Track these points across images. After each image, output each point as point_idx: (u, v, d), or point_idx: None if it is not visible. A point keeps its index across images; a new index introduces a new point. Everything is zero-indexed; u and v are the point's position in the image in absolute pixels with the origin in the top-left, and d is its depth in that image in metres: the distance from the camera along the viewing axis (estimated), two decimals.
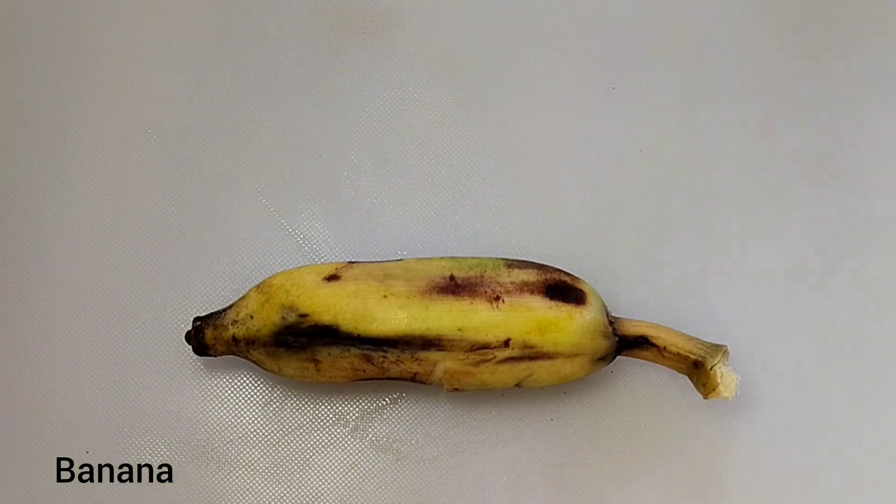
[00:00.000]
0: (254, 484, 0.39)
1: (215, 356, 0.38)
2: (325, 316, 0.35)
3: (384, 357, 0.35)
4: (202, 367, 0.40)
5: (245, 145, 0.44)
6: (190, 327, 0.38)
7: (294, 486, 0.39)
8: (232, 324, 0.36)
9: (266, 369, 0.37)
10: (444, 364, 0.35)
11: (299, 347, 0.35)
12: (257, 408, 0.40)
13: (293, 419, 0.40)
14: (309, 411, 0.40)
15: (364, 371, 0.36)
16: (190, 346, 0.38)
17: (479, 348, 0.35)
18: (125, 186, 0.43)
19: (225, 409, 0.40)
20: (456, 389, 0.36)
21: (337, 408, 0.40)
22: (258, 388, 0.40)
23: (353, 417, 0.40)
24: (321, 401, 0.40)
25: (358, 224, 0.42)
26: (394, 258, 0.41)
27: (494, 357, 0.35)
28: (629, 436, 0.40)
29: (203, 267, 0.42)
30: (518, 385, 0.36)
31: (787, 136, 0.44)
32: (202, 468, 0.39)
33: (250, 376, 0.40)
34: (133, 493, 0.39)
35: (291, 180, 0.43)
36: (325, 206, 0.43)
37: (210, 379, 0.40)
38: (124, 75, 0.45)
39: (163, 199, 0.43)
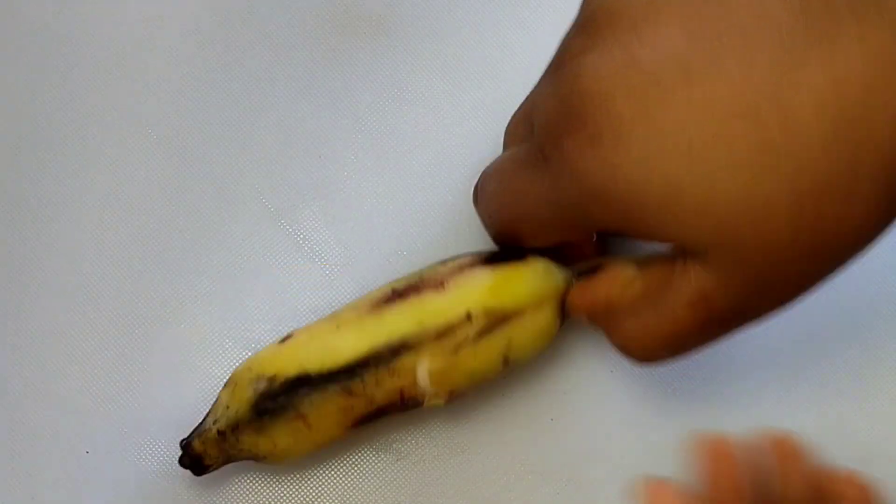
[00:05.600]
0: (254, 484, 0.39)
1: (215, 466, 0.36)
2: (291, 368, 0.34)
3: (363, 383, 0.34)
4: (202, 367, 0.40)
5: (245, 145, 0.44)
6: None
7: (294, 486, 0.39)
8: (213, 423, 0.36)
9: (263, 456, 0.35)
10: (424, 365, 0.34)
11: (281, 408, 0.34)
12: None
13: None
14: None
15: (352, 408, 0.34)
16: (187, 467, 0.36)
17: (445, 332, 0.34)
18: (125, 186, 0.43)
19: None
20: (452, 396, 0.35)
21: None
22: None
23: None
24: None
25: (358, 224, 0.42)
26: (394, 258, 0.41)
27: (466, 336, 0.34)
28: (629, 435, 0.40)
29: (203, 267, 0.42)
30: (507, 363, 0.35)
31: None
32: None
33: None
34: (133, 492, 0.39)
35: (291, 180, 0.43)
36: (325, 206, 0.43)
37: (210, 379, 0.40)
38: (124, 75, 0.45)
39: (162, 199, 0.43)
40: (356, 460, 0.39)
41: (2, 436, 0.40)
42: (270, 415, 0.34)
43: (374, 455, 0.39)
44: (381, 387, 0.34)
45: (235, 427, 0.35)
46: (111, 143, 0.44)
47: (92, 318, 0.41)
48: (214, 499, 0.39)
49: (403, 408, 0.35)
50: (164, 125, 0.44)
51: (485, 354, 0.34)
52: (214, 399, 0.36)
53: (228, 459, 0.36)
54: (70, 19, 0.46)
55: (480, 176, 0.36)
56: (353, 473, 0.39)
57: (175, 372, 0.40)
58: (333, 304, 0.37)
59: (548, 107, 0.29)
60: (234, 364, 0.36)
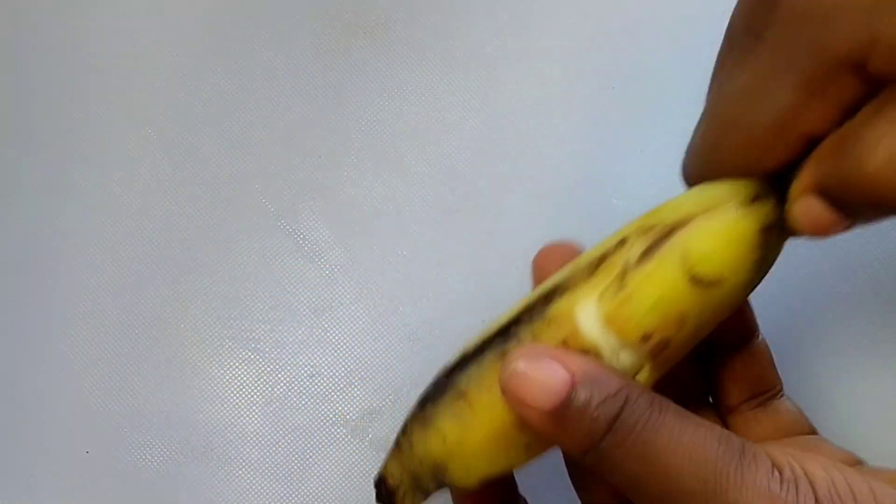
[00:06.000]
0: (254, 484, 0.39)
1: (402, 490, 0.30)
2: (454, 358, 0.29)
3: (518, 342, 0.28)
4: (202, 367, 0.40)
5: (245, 145, 0.44)
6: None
7: (294, 486, 0.39)
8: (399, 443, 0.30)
9: (441, 460, 0.29)
10: (587, 309, 0.27)
11: (440, 391, 0.29)
12: (257, 408, 0.40)
13: (293, 419, 0.40)
14: (309, 411, 0.40)
15: None
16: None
17: (599, 263, 0.28)
18: (125, 186, 0.43)
19: (225, 409, 0.40)
20: (652, 341, 0.27)
21: (337, 408, 0.40)
22: (258, 388, 0.40)
23: (353, 417, 0.40)
24: (321, 401, 0.40)
25: (358, 224, 0.42)
26: (394, 258, 0.41)
27: (627, 261, 0.27)
28: None
29: (203, 267, 0.42)
30: (697, 281, 0.26)
31: None
32: (202, 468, 0.39)
33: (250, 376, 0.40)
34: (133, 492, 0.39)
35: (291, 180, 0.43)
36: (325, 206, 0.43)
37: (210, 379, 0.40)
38: (123, 75, 0.45)
39: (162, 199, 0.43)
40: (356, 460, 0.39)
41: (2, 436, 0.40)
42: (432, 401, 0.29)
43: (374, 455, 0.39)
44: (539, 341, 0.27)
45: (405, 429, 0.30)
46: (111, 143, 0.44)
47: (92, 318, 0.41)
48: (215, 498, 0.39)
49: None
50: (164, 125, 0.44)
51: (659, 275, 0.27)
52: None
53: (415, 480, 0.30)
54: (70, 20, 0.46)
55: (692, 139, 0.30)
56: (353, 473, 0.39)
57: (175, 372, 0.40)
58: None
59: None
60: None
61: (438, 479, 0.29)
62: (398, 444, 0.30)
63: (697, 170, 0.29)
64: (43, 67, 0.45)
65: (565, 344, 0.27)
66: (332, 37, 0.45)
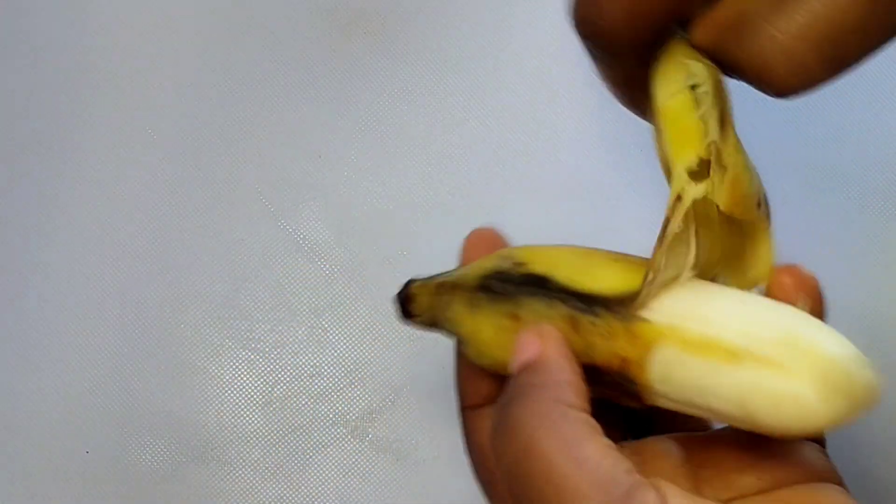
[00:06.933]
0: (254, 484, 0.39)
1: (419, 320, 0.32)
2: (539, 266, 0.29)
3: (593, 323, 0.27)
4: (202, 367, 0.40)
5: (245, 145, 0.44)
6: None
7: (294, 486, 0.39)
8: (440, 276, 0.32)
9: (462, 336, 0.31)
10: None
11: (502, 295, 0.29)
12: (257, 408, 0.40)
13: (293, 419, 0.40)
14: (309, 411, 0.40)
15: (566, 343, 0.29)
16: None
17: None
18: (124, 186, 0.43)
19: (225, 409, 0.40)
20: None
21: (337, 408, 0.40)
22: (258, 387, 0.40)
23: (353, 417, 0.40)
24: (321, 401, 0.40)
25: (358, 224, 0.42)
26: (394, 258, 0.41)
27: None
28: None
29: (203, 267, 0.42)
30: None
31: (791, 139, 0.44)
32: (202, 468, 0.39)
33: (250, 376, 0.40)
34: (133, 492, 0.39)
35: (291, 180, 0.43)
36: (325, 206, 0.43)
37: (210, 379, 0.40)
38: (123, 75, 0.45)
39: (162, 199, 0.43)
40: (356, 460, 0.39)
41: (2, 436, 0.40)
42: (489, 296, 0.30)
43: (374, 455, 0.39)
44: (608, 341, 0.27)
45: (456, 287, 0.31)
46: (111, 143, 0.44)
47: (92, 318, 0.41)
48: (215, 498, 0.39)
49: (613, 387, 0.28)
50: (165, 125, 0.44)
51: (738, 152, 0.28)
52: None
53: (433, 321, 0.32)
54: (71, 22, 0.46)
55: None
56: (353, 473, 0.39)
57: (175, 372, 0.40)
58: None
59: None
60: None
61: (455, 339, 0.31)
62: (440, 289, 0.31)
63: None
64: (42, 67, 0.45)
65: (623, 361, 0.27)
66: (332, 37, 0.45)
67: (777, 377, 0.25)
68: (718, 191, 0.27)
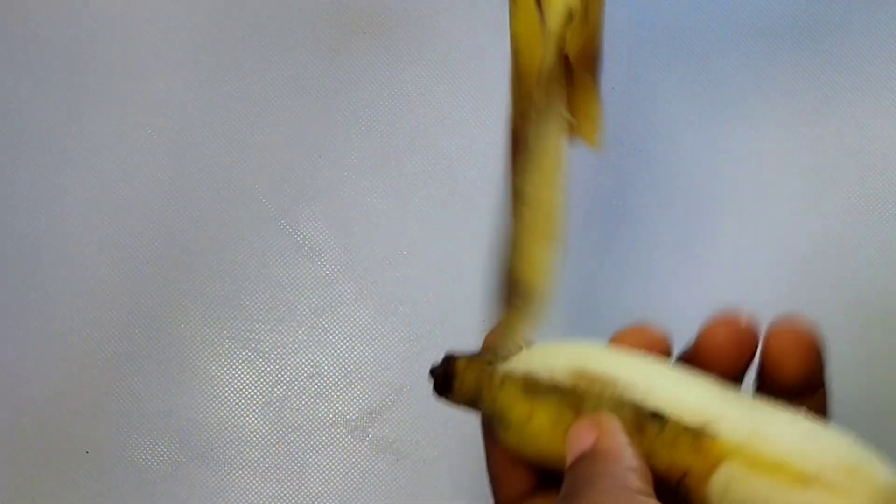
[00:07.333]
0: (254, 484, 0.39)
1: (457, 397, 0.30)
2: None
3: (659, 430, 0.27)
4: (202, 367, 0.40)
5: (245, 145, 0.44)
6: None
7: (294, 486, 0.39)
8: (491, 355, 0.30)
9: (508, 422, 0.29)
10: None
11: (566, 393, 0.28)
12: (257, 408, 0.40)
13: (293, 419, 0.40)
14: (309, 411, 0.40)
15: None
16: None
17: None
18: (124, 186, 0.43)
19: (225, 409, 0.40)
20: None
21: (337, 408, 0.40)
22: (258, 388, 0.40)
23: (353, 417, 0.40)
24: (321, 401, 0.40)
25: (358, 224, 0.42)
26: (394, 258, 0.41)
27: None
28: None
29: (203, 267, 0.42)
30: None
31: (793, 139, 0.44)
32: (202, 468, 0.39)
33: (250, 376, 0.40)
34: (133, 492, 0.39)
35: (291, 180, 0.43)
36: (325, 206, 0.43)
37: (210, 379, 0.40)
38: (123, 75, 0.45)
39: (162, 199, 0.43)
40: (356, 460, 0.39)
41: (2, 436, 0.40)
42: (549, 384, 0.28)
43: (374, 455, 0.39)
44: (671, 450, 0.27)
45: (511, 372, 0.29)
46: (111, 142, 0.44)
47: (92, 318, 0.41)
48: (215, 498, 0.39)
49: (667, 496, 0.27)
50: (165, 125, 0.44)
51: None
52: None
53: (473, 400, 0.30)
54: (71, 21, 0.46)
55: None
56: (353, 473, 0.39)
57: (175, 372, 0.40)
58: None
59: None
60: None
61: (494, 421, 0.29)
62: (492, 368, 0.29)
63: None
64: (43, 67, 0.45)
65: (686, 473, 0.27)
66: (332, 37, 0.45)
67: (841, 500, 0.25)
68: (576, 39, 0.29)
